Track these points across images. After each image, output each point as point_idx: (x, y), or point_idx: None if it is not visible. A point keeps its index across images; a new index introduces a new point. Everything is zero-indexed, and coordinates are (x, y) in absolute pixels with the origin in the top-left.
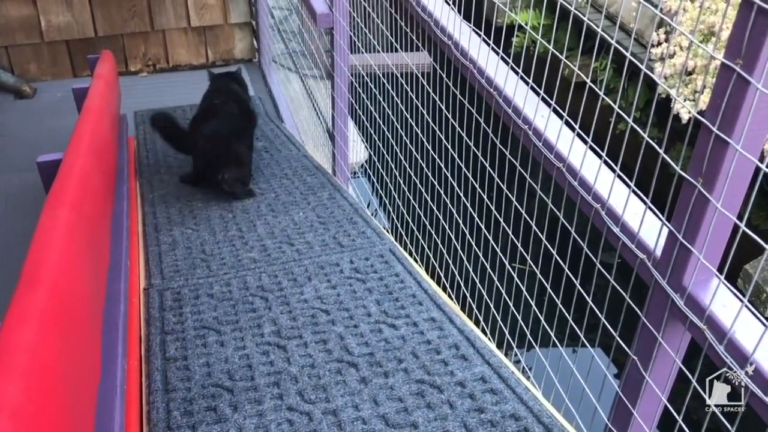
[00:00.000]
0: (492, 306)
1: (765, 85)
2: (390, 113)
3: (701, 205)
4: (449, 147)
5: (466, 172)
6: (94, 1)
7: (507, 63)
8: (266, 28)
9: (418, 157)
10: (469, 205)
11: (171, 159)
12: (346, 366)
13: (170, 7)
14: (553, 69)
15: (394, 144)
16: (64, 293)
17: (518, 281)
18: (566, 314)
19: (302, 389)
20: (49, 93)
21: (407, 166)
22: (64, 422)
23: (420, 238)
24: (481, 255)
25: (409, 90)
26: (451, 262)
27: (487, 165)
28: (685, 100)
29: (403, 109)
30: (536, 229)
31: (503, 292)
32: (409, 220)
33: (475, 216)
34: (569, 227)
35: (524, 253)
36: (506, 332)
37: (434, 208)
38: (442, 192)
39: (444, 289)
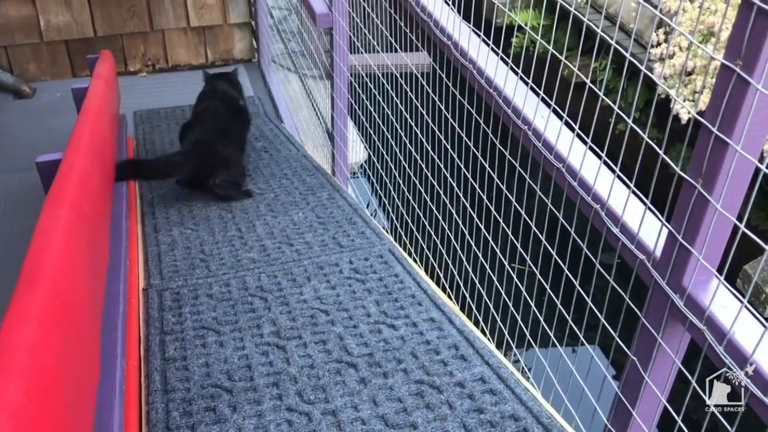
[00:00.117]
0: (491, 306)
1: (765, 86)
2: (389, 113)
3: (701, 205)
4: (449, 147)
5: (466, 172)
6: (93, 1)
7: (506, 63)
8: (266, 28)
9: (418, 158)
10: (468, 206)
11: None
12: (345, 366)
13: (169, 7)
14: (552, 69)
15: (393, 144)
16: (63, 293)
17: (518, 282)
18: (566, 315)
19: (301, 390)
20: (48, 93)
21: (407, 167)
22: (63, 422)
23: (419, 238)
24: (480, 255)
25: (408, 90)
26: (450, 263)
27: (487, 165)
28: (684, 101)
29: (403, 109)
30: (536, 230)
31: (503, 292)
32: (409, 221)
33: (475, 216)
34: (569, 228)
35: (524, 253)
36: (506, 333)
37: (434, 209)
38: (441, 192)
39: (443, 290)
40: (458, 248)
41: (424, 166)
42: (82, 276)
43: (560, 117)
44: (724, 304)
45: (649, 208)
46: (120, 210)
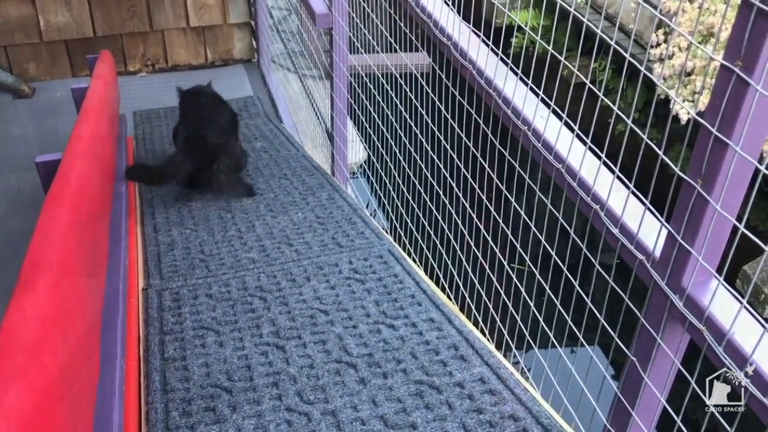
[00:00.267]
0: (491, 307)
1: (765, 87)
2: (389, 114)
3: (700, 206)
4: (448, 148)
5: (465, 172)
6: (93, 1)
7: (506, 64)
8: (265, 28)
9: (417, 158)
10: (468, 206)
11: None
12: (344, 366)
13: (169, 7)
14: (552, 70)
15: (393, 144)
16: (63, 293)
17: (517, 282)
18: (565, 315)
19: (301, 390)
20: (47, 93)
21: (406, 167)
22: (63, 422)
23: (419, 238)
24: (480, 255)
25: (408, 91)
26: (449, 263)
27: (487, 166)
28: (684, 101)
29: (402, 109)
30: (535, 230)
31: (502, 292)
32: (408, 221)
33: (474, 216)
34: (568, 228)
35: (523, 253)
36: (505, 333)
37: (433, 209)
38: (441, 193)
39: (443, 290)
40: (458, 248)
41: (423, 167)
42: (82, 276)
43: (560, 117)
44: (723, 305)
45: (649, 209)
46: (120, 210)
